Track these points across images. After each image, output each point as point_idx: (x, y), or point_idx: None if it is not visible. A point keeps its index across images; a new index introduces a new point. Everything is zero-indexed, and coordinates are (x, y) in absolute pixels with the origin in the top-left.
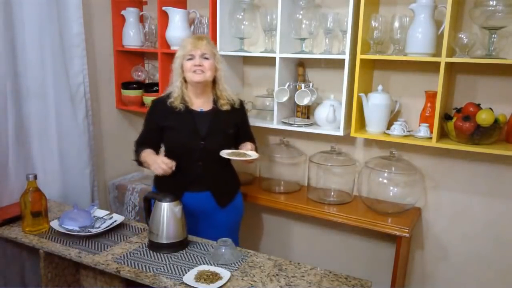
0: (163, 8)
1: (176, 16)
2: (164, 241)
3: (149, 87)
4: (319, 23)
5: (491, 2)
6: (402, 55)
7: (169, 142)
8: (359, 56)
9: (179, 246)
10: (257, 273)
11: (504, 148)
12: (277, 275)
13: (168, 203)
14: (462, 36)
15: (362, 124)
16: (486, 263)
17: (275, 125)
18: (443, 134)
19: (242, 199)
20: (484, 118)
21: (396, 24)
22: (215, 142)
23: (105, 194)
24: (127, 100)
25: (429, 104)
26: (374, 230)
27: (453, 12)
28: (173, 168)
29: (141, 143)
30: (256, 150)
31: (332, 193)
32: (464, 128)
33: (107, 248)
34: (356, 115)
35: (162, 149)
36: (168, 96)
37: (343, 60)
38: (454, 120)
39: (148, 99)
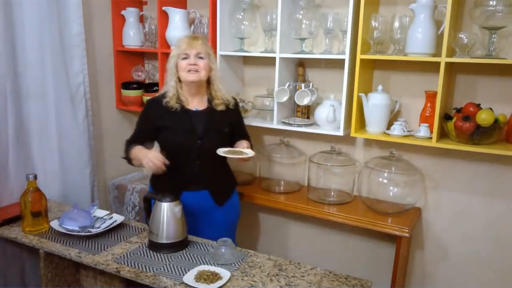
0: (163, 8)
1: (176, 16)
2: (164, 241)
3: (149, 87)
4: (319, 23)
5: (491, 2)
6: (402, 55)
7: (166, 142)
8: (359, 56)
9: (179, 246)
10: (257, 273)
11: (504, 148)
12: (277, 275)
13: (168, 203)
14: (462, 36)
15: (362, 124)
16: (486, 263)
17: (275, 125)
18: (443, 134)
19: (238, 198)
20: (484, 118)
21: (396, 24)
22: (212, 141)
23: (105, 194)
24: (127, 100)
25: (429, 104)
26: (374, 230)
27: (453, 12)
28: (166, 163)
29: (133, 142)
30: (252, 148)
31: (332, 193)
32: (464, 128)
33: (107, 248)
34: (356, 115)
35: (156, 145)
36: (163, 96)
37: (343, 60)
38: (454, 120)
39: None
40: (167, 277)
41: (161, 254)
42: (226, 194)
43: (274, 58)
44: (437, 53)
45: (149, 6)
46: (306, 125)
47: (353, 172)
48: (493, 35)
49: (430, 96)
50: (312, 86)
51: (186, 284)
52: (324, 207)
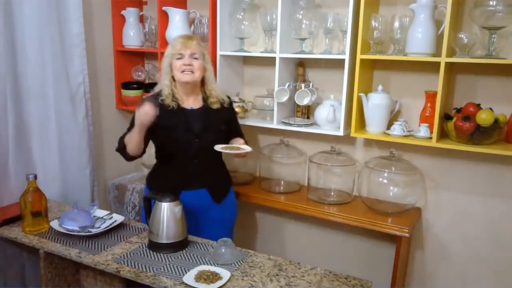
0: (163, 8)
1: (176, 16)
2: (164, 241)
3: (149, 87)
4: (319, 23)
5: (491, 2)
6: (402, 55)
7: (164, 140)
8: (359, 56)
9: (179, 246)
10: (257, 273)
11: (504, 148)
12: (277, 275)
13: (168, 203)
14: (462, 36)
15: (362, 124)
16: (486, 263)
17: (275, 125)
18: (443, 134)
19: (235, 195)
20: (484, 118)
21: (396, 24)
22: (210, 139)
23: (105, 194)
24: (127, 100)
25: (429, 104)
26: (374, 230)
27: (453, 12)
28: (157, 112)
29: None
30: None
31: (332, 193)
32: (464, 128)
33: (107, 248)
34: (356, 115)
35: (151, 145)
36: (158, 94)
37: (343, 60)
38: (454, 120)
39: None
40: (167, 277)
41: (161, 254)
42: (223, 192)
43: (274, 58)
44: (437, 53)
45: (149, 6)
46: (306, 125)
47: (353, 172)
48: (493, 35)
49: (430, 96)
50: (312, 86)
51: (186, 284)
52: (324, 207)
